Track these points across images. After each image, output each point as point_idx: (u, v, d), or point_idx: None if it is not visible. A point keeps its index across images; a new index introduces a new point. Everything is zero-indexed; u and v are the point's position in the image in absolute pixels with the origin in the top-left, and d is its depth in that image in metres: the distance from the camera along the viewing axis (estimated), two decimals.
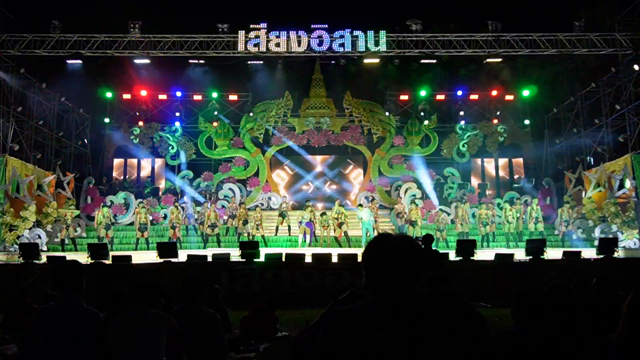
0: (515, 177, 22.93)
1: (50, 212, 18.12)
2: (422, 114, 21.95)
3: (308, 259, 11.28)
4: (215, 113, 21.72)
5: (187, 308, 4.21)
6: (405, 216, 17.97)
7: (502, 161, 23.36)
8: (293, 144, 21.99)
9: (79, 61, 18.51)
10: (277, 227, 18.21)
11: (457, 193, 20.78)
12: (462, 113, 22.26)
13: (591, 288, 5.52)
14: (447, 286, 7.47)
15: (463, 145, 22.28)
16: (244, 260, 11.28)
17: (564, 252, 11.69)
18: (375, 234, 16.82)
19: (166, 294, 3.97)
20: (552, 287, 3.45)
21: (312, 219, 17.30)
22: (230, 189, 20.98)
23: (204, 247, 16.82)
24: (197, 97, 22.12)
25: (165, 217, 18.93)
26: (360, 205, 17.90)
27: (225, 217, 18.62)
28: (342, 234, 16.98)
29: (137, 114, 21.77)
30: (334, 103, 22.55)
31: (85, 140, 22.17)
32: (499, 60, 19.13)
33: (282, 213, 18.34)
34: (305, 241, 17.02)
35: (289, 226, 18.35)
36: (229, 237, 18.27)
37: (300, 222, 17.27)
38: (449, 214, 18.46)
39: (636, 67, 17.30)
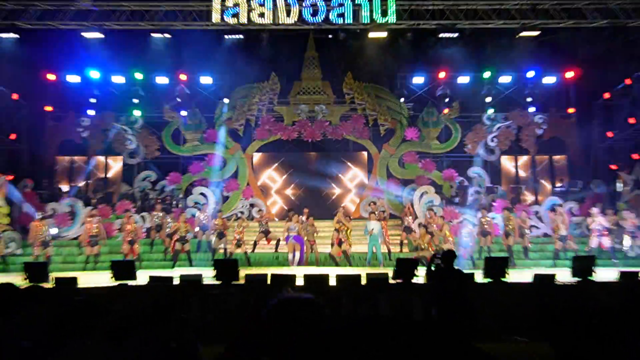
0: (557, 178, 22.99)
1: None
2: (444, 100, 21.97)
3: (299, 281, 11.25)
4: (178, 100, 21.65)
5: (147, 342, 4.17)
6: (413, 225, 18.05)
7: (541, 159, 23.44)
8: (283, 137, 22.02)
9: (14, 35, 18.43)
10: (255, 243, 18.15)
11: (485, 198, 20.81)
12: (490, 99, 22.29)
13: None
14: (472, 315, 7.41)
15: (492, 140, 22.33)
16: (219, 282, 11.24)
17: (621, 273, 11.70)
18: (384, 249, 16.94)
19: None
20: (603, 315, 3.43)
21: (300, 232, 17.27)
22: (202, 193, 20.94)
23: (172, 267, 16.79)
24: (162, 80, 22.09)
25: (120, 229, 18.88)
26: (373, 213, 17.85)
27: (196, 229, 18.58)
28: (341, 252, 16.96)
29: (93, 100, 21.57)
30: (331, 87, 22.56)
31: (21, 133, 22.05)
32: (536, 34, 19.17)
33: (265, 229, 18.21)
34: (294, 259, 17.02)
35: (278, 240, 18.28)
36: (201, 254, 18.23)
37: (288, 237, 17.23)
38: (474, 225, 18.49)
39: None
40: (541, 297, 10.83)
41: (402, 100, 22.17)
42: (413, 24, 18.77)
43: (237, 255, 16.83)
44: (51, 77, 21.70)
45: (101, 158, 23.02)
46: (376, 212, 18.04)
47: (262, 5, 18.43)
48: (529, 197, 22.53)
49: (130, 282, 11.48)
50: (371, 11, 18.48)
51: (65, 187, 21.94)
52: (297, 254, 17.06)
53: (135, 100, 21.77)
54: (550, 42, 20.52)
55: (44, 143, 22.37)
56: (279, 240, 18.21)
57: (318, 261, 17.19)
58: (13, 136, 21.53)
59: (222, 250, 17.66)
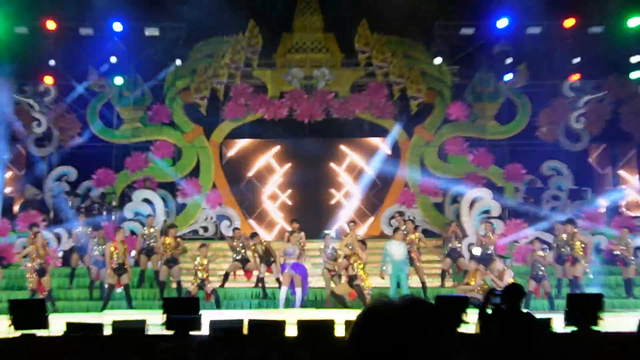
0: None
1: None
2: (506, 60, 21.86)
3: (291, 330, 11.23)
4: (113, 61, 21.61)
5: None
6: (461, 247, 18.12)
7: None
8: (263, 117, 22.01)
9: None
10: (226, 275, 18.08)
11: (567, 207, 20.76)
12: (577, 60, 22.20)
13: None
14: None
15: (578, 120, 22.27)
16: (171, 332, 11.21)
17: None
18: (415, 283, 16.89)
19: None
20: None
21: (301, 256, 17.27)
22: (146, 200, 20.89)
23: (102, 310, 16.77)
24: (86, 31, 22.04)
25: (24, 252, 18.84)
26: (397, 229, 17.76)
27: (134, 253, 18.54)
28: (354, 292, 16.91)
29: None
30: (337, 42, 22.51)
31: None
32: None
33: (242, 257, 18.13)
34: (293, 296, 17.02)
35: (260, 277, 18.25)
36: (145, 289, 18.23)
37: (284, 266, 17.21)
38: (550, 247, 18.41)
39: None
40: None
41: (438, 61, 22.08)
42: None
43: (201, 294, 16.77)
44: None
45: None
46: (402, 228, 18.00)
47: None
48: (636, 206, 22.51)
49: (39, 332, 11.43)
50: None
51: None
52: (298, 292, 16.99)
53: (52, 62, 21.69)
54: None
55: None
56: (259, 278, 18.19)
57: (329, 301, 17.11)
58: None
59: (174, 284, 17.61)
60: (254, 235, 18.53)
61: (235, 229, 19.78)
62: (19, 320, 11.62)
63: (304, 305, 16.99)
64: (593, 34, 22.05)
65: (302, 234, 18.39)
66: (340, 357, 10.72)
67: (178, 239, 18.21)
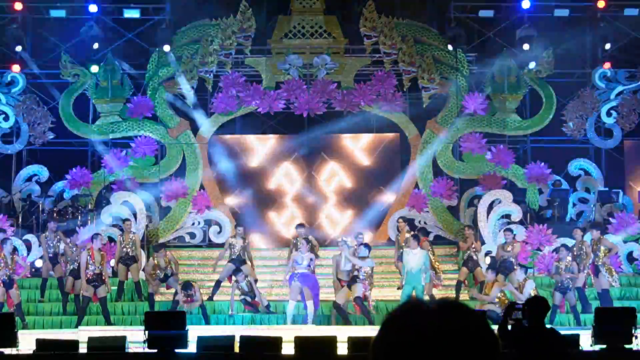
0: None
1: None
2: (529, 46, 21.88)
3: (288, 348, 11.31)
4: (95, 46, 21.64)
5: None
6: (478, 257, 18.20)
7: None
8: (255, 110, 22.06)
9: None
10: (217, 283, 18.13)
11: (596, 211, 20.78)
12: (608, 46, 22.21)
13: None
14: None
15: (609, 113, 22.27)
16: (154, 351, 11.29)
17: None
18: (429, 294, 16.95)
19: None
20: None
21: (311, 264, 17.33)
22: (125, 203, 20.90)
23: (77, 325, 16.81)
24: (58, 14, 22.06)
25: None
26: (416, 236, 17.78)
27: (113, 262, 18.64)
28: (356, 302, 16.96)
29: None
30: (340, 25, 22.52)
31: None
32: None
33: (238, 255, 18.18)
34: (304, 311, 17.06)
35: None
36: (125, 302, 18.28)
37: (292, 277, 17.22)
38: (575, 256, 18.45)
39: None
40: None
41: (450, 47, 22.11)
42: None
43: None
44: None
45: None
46: (407, 236, 18.04)
47: None
48: None
49: (7, 350, 11.52)
50: None
51: None
52: (310, 306, 17.10)
53: (18, 48, 21.72)
54: None
55: None
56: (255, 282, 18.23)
57: (335, 315, 17.15)
58: None
59: (160, 295, 17.70)
60: (238, 271, 18.17)
61: (237, 226, 19.80)
62: None
63: (316, 320, 17.04)
64: (628, 16, 22.09)
65: (312, 238, 18.54)
66: None
67: (168, 256, 18.26)
